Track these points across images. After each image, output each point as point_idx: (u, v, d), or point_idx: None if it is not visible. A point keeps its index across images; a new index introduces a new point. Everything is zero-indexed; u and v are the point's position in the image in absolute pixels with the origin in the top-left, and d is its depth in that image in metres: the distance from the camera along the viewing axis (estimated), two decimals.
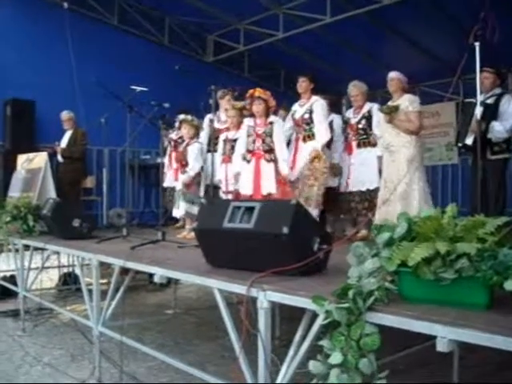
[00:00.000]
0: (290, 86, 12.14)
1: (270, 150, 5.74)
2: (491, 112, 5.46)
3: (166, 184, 7.55)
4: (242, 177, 5.90)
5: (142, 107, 6.22)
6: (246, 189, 5.82)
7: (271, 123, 5.79)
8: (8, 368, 4.83)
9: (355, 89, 6.14)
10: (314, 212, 5.48)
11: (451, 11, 8.25)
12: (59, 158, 8.38)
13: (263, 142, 5.76)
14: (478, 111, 4.84)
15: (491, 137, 5.48)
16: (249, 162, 5.85)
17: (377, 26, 9.13)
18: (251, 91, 5.86)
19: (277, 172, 5.72)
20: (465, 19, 7.07)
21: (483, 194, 5.16)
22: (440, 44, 9.15)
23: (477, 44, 4.32)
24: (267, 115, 5.86)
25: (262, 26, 10.01)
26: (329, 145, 6.11)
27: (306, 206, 5.24)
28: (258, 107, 5.80)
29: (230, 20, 10.36)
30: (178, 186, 6.59)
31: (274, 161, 5.74)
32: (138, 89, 6.29)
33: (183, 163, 6.63)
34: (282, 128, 5.88)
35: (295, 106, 6.15)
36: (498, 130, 5.46)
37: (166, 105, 6.16)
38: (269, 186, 5.70)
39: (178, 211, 6.47)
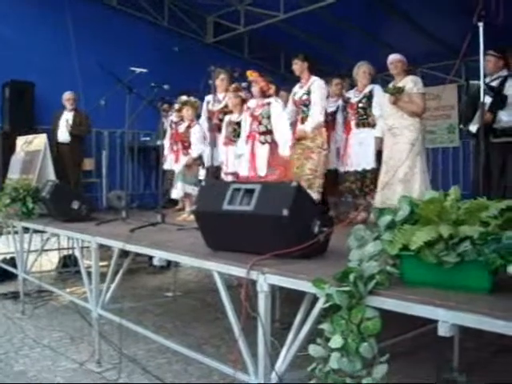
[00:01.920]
0: (289, 68, 12.09)
1: (266, 132, 5.67)
2: (498, 101, 5.38)
3: (166, 167, 7.27)
4: (242, 158, 5.89)
5: (142, 89, 6.16)
6: (243, 170, 5.84)
7: (269, 104, 5.73)
8: (8, 350, 4.84)
9: (365, 67, 6.03)
10: (313, 195, 5.38)
11: None
12: (63, 136, 8.18)
13: (259, 123, 5.71)
14: (482, 96, 4.73)
15: (497, 127, 5.41)
16: (247, 143, 5.86)
17: (379, 6, 9.03)
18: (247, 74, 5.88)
19: (274, 154, 5.63)
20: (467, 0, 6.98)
21: (486, 177, 5.11)
22: (441, 26, 9.01)
23: (480, 24, 4.23)
24: (263, 96, 5.79)
25: (263, 7, 9.87)
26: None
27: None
28: (254, 89, 5.81)
29: (230, 0, 10.23)
30: (179, 167, 6.56)
31: (270, 143, 5.66)
32: (138, 70, 6.22)
33: (185, 145, 6.60)
34: (281, 108, 5.76)
35: (296, 88, 6.03)
36: (505, 120, 5.40)
37: (166, 86, 6.10)
38: (262, 168, 5.66)
39: (177, 192, 6.44)
